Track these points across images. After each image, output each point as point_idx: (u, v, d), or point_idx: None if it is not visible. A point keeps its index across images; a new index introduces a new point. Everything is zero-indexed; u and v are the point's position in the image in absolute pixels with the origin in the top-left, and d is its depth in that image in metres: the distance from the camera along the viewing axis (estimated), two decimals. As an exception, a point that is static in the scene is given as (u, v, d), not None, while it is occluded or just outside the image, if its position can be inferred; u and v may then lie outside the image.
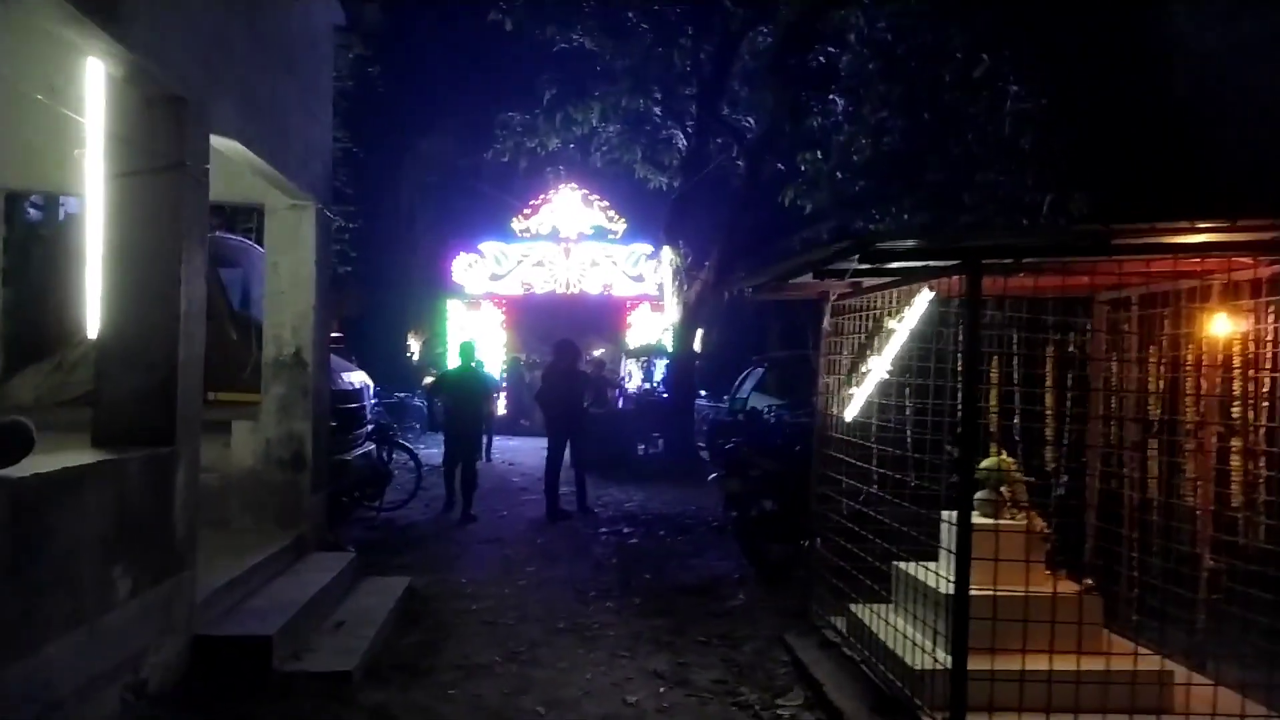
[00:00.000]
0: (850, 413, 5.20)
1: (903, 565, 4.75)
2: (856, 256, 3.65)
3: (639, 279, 20.65)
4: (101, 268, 3.87)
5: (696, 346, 16.23)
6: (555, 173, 18.00)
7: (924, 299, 4.34)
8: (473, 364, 10.19)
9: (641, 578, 6.98)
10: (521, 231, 20.97)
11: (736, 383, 15.49)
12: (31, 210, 6.69)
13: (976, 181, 12.48)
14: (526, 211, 20.66)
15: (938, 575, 4.20)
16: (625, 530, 9.07)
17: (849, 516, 5.22)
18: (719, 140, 15.67)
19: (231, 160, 5.32)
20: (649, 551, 8.04)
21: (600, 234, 20.81)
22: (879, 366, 4.82)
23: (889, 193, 13.64)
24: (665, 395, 16.57)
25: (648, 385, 19.01)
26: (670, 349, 17.12)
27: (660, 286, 17.02)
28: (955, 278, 3.96)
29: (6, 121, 5.43)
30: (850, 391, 5.16)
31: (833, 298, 5.35)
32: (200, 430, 4.18)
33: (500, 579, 6.97)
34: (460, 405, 9.87)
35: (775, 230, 14.96)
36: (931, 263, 3.93)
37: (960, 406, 3.53)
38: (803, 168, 14.15)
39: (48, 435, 5.50)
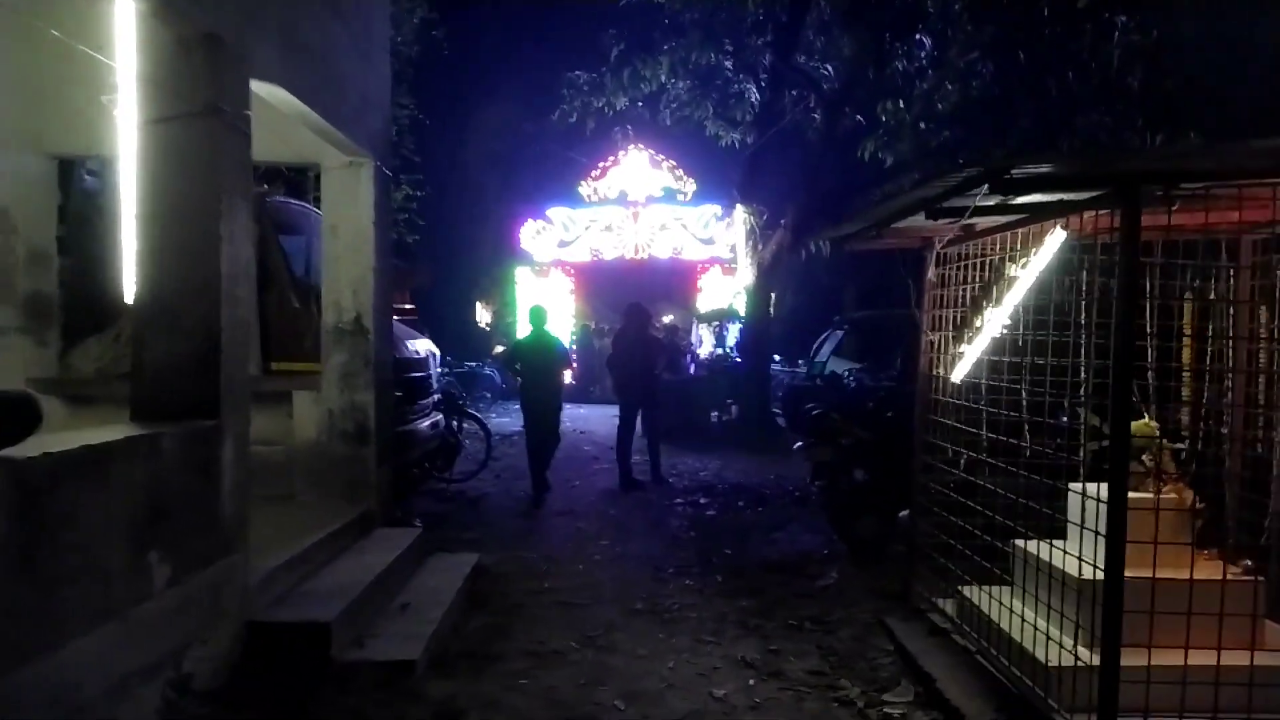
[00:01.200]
0: (959, 373, 4.65)
1: (1025, 544, 4.22)
2: (985, 188, 3.09)
3: (709, 242, 20.05)
4: (136, 225, 3.55)
5: (770, 310, 15.59)
6: (623, 132, 17.41)
7: (1055, 240, 3.75)
8: (545, 329, 9.24)
9: (722, 553, 6.56)
10: (589, 196, 20.54)
11: (815, 346, 14.83)
12: (88, 177, 6.49)
13: (1077, 125, 11.57)
14: (594, 174, 20.20)
15: (1074, 557, 3.66)
16: (701, 501, 8.65)
17: (957, 488, 4.70)
18: (794, 92, 14.91)
19: (281, 114, 4.98)
20: (728, 524, 7.60)
21: (669, 196, 20.24)
22: (995, 321, 4.26)
23: (978, 142, 12.81)
24: (739, 360, 16.04)
25: (720, 351, 18.48)
26: (743, 313, 16.55)
27: (733, 248, 16.40)
28: (1095, 213, 3.38)
29: (55, 85, 5.18)
30: (960, 350, 4.60)
31: (938, 245, 4.77)
32: (249, 402, 3.87)
33: (573, 554, 6.63)
34: (536, 376, 8.98)
35: (854, 186, 14.22)
36: (1067, 196, 3.35)
37: (1112, 364, 2.97)
38: (884, 118, 13.38)
39: (104, 408, 5.33)
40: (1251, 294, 4.15)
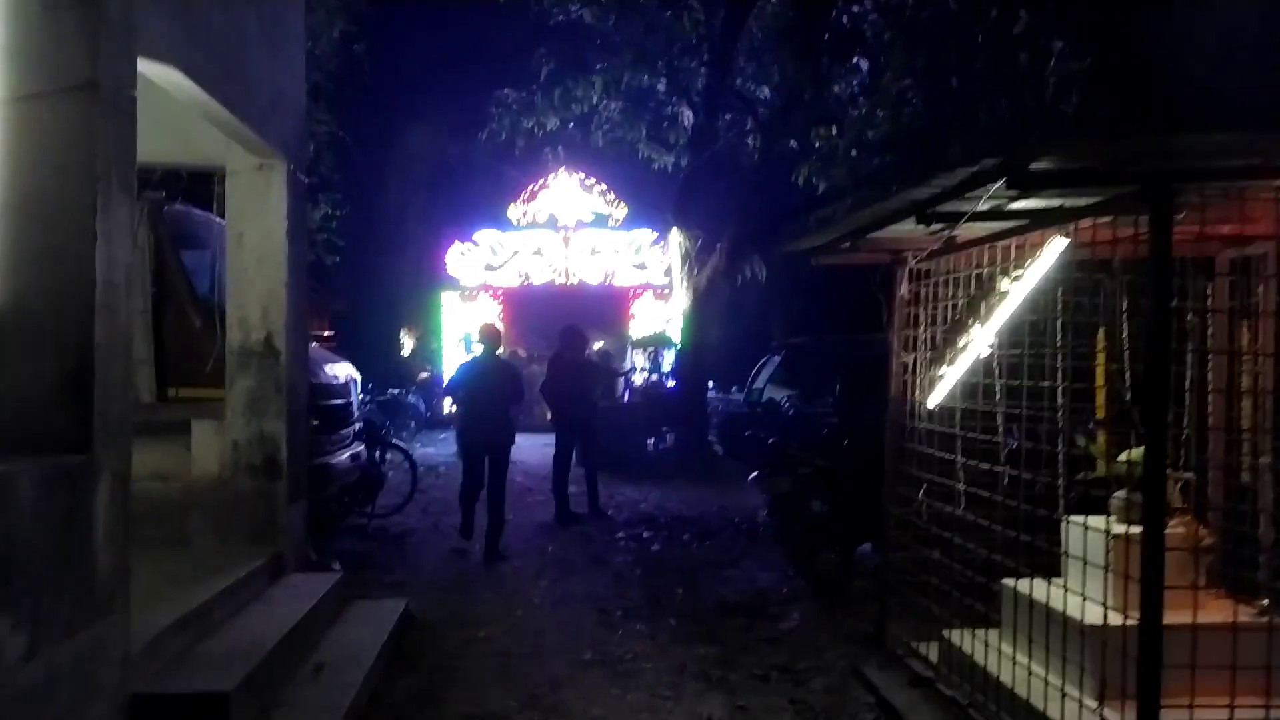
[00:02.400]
0: (937, 397, 4.29)
1: (1015, 583, 3.86)
2: (988, 188, 2.72)
3: (642, 267, 19.70)
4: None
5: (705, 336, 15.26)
6: (554, 154, 17.02)
7: (1055, 250, 3.42)
8: (496, 354, 8.04)
9: (672, 593, 6.07)
10: (518, 219, 20.00)
11: (753, 372, 14.55)
12: None
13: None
14: (524, 197, 19.69)
15: (1078, 597, 3.30)
16: (645, 535, 8.16)
17: (935, 521, 4.33)
18: (728, 116, 14.76)
19: (180, 109, 4.39)
20: (676, 560, 7.12)
21: (601, 221, 19.84)
22: (979, 340, 3.91)
23: (909, 170, 12.78)
24: (674, 386, 15.67)
25: (655, 377, 18.08)
26: (677, 339, 16.21)
27: (667, 272, 16.08)
28: (1098, 221, 3.06)
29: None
30: (938, 372, 4.25)
31: (912, 260, 4.43)
32: (131, 434, 3.25)
33: (510, 597, 6.06)
34: (481, 407, 7.60)
35: (789, 210, 14.04)
36: (1077, 201, 3.01)
37: (1145, 386, 2.62)
38: (817, 144, 13.26)
39: None
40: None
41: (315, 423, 6.36)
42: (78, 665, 2.85)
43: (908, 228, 3.96)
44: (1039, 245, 3.60)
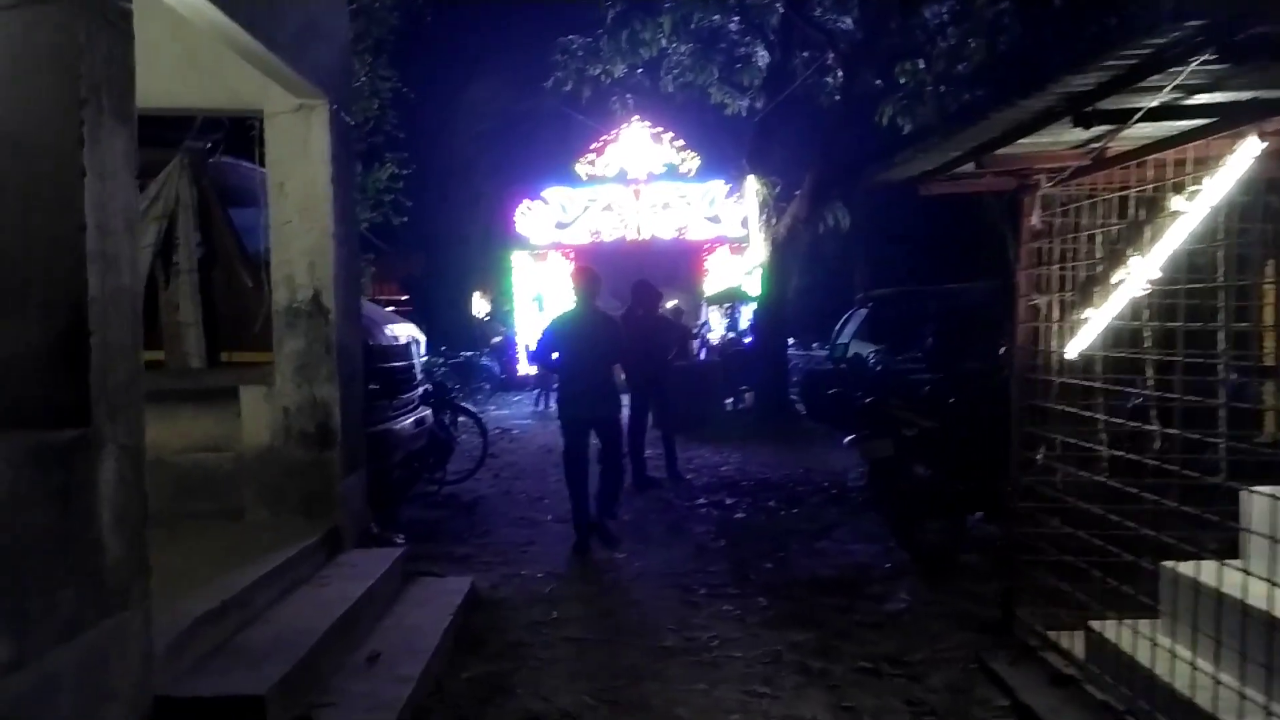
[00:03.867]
0: (1079, 345, 3.62)
1: (1181, 567, 3.21)
2: (1205, 56, 2.05)
3: (715, 220, 19.00)
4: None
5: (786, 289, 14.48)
6: (622, 102, 16.34)
7: (1244, 155, 2.71)
8: (595, 305, 6.46)
9: (761, 567, 5.53)
10: (587, 175, 19.45)
11: (837, 327, 13.81)
12: None
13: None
14: (592, 151, 19.09)
15: (1263, 583, 2.65)
16: (727, 501, 7.64)
17: (1076, 491, 3.69)
18: (805, 53, 13.85)
19: (209, 43, 3.95)
20: (762, 529, 6.58)
21: (672, 173, 19.16)
22: (1139, 275, 3.23)
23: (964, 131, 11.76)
24: (752, 344, 15.01)
25: (732, 334, 17.44)
26: (754, 293, 15.51)
27: (744, 222, 15.37)
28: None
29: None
30: (1080, 316, 3.57)
31: (1046, 183, 3.73)
32: (142, 403, 2.84)
33: (584, 572, 5.62)
34: (583, 372, 6.16)
35: (872, 153, 13.13)
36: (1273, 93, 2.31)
37: None
38: (902, 80, 12.33)
39: None
40: None
41: (374, 387, 5.98)
42: (84, 670, 2.46)
43: (1047, 139, 3.28)
44: (1213, 157, 2.89)
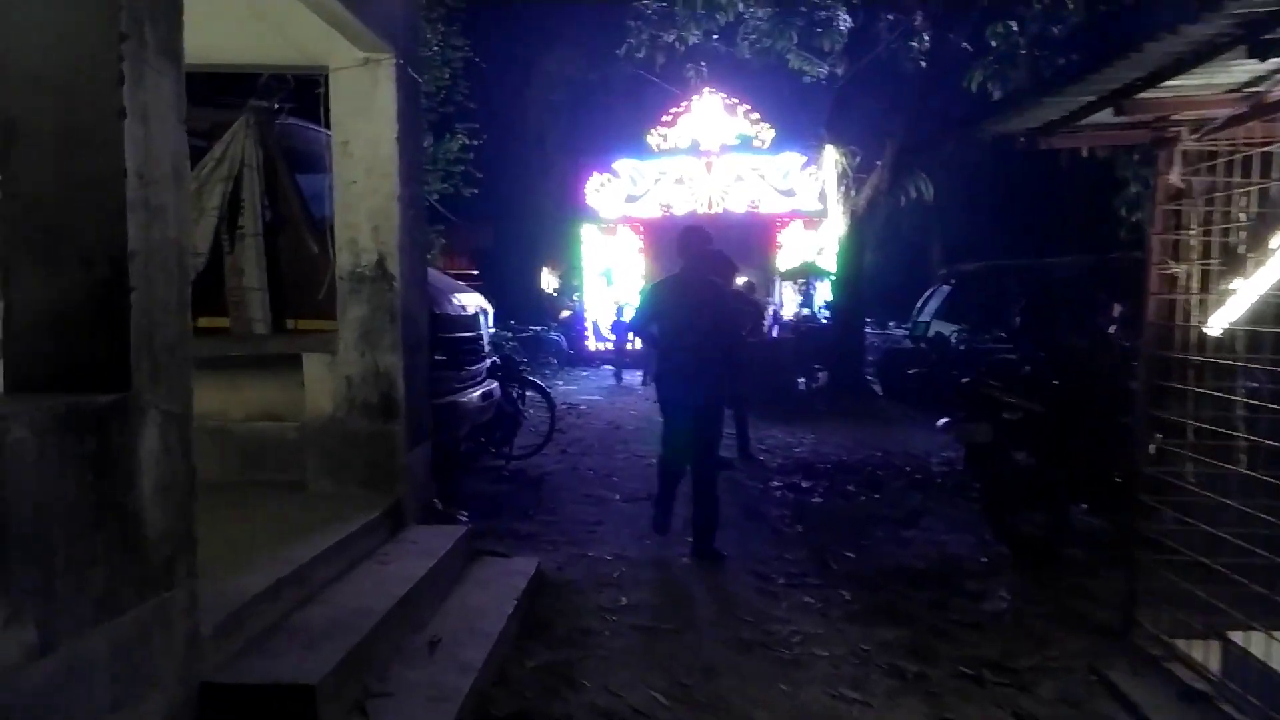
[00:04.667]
0: (1224, 320, 3.19)
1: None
2: None
3: (789, 193, 18.42)
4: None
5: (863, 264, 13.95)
6: (696, 70, 15.89)
7: None
8: (705, 270, 5.47)
9: (842, 556, 5.19)
10: (658, 146, 19.05)
11: (918, 304, 13.26)
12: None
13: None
14: (664, 122, 18.69)
15: None
16: (802, 484, 7.29)
17: (1205, 483, 3.27)
18: (890, 16, 13.20)
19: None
20: (841, 515, 6.22)
21: (745, 144, 18.63)
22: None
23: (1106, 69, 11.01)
24: (827, 321, 14.53)
25: (806, 311, 16.95)
26: (829, 269, 15.02)
27: (821, 195, 14.82)
28: None
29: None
30: (1227, 287, 3.13)
31: (1188, 136, 3.27)
32: (190, 366, 2.63)
33: (654, 554, 5.35)
34: (689, 350, 5.16)
35: (960, 120, 12.49)
36: None
37: None
38: (994, 43, 11.64)
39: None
40: None
41: (441, 358, 5.79)
42: (121, 655, 2.27)
43: (1196, 81, 2.85)
44: None
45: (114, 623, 2.25)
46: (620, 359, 16.90)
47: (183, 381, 2.56)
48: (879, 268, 21.73)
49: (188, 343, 2.59)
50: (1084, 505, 5.00)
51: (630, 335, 16.34)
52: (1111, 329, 5.81)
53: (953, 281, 12.62)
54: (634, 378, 16.35)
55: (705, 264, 5.44)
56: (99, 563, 2.19)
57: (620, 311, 17.38)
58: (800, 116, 16.35)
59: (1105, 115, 3.15)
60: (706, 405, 5.26)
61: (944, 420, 5.14)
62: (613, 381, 16.54)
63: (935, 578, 4.68)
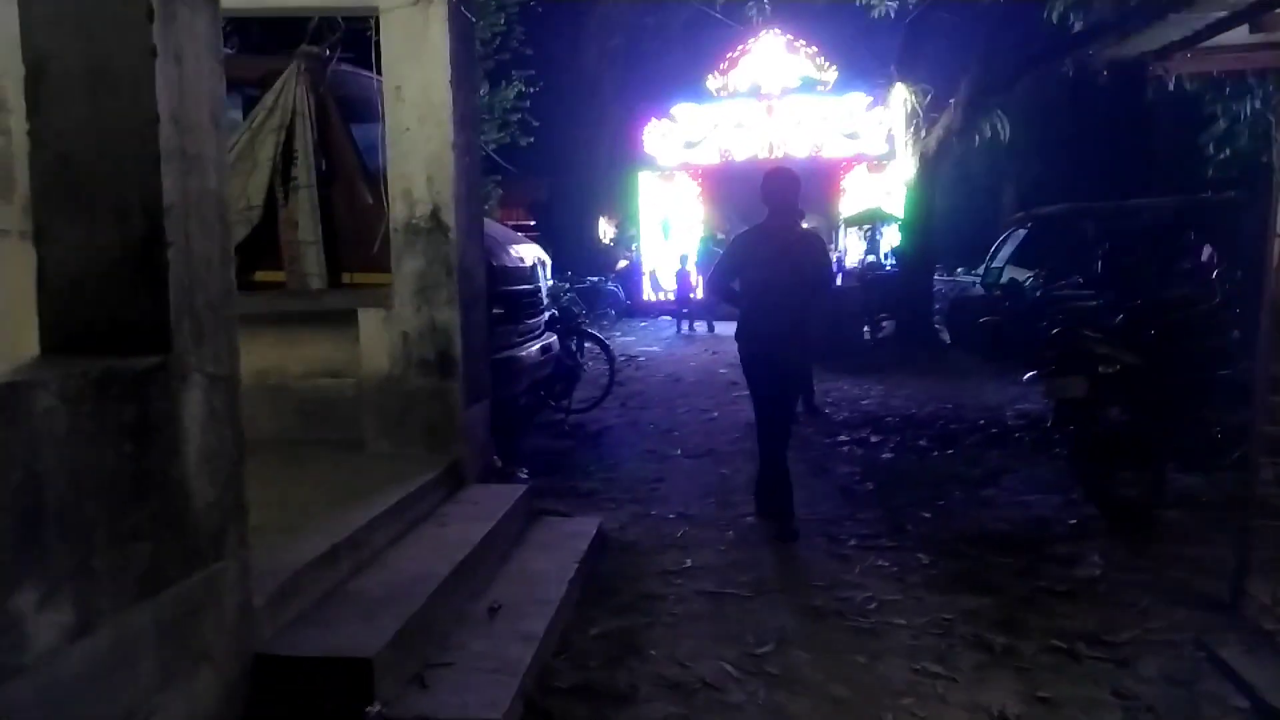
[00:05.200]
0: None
1: None
2: None
3: (854, 136, 17.83)
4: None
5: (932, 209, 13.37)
6: (758, 6, 15.28)
7: None
8: (794, 216, 4.80)
9: (917, 516, 4.95)
10: (718, 91, 18.56)
11: (992, 249, 12.72)
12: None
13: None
14: (725, 64, 18.16)
15: None
16: (871, 439, 7.03)
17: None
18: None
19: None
20: (914, 473, 5.96)
21: (808, 86, 18.05)
22: None
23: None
24: (893, 268, 14.06)
25: (872, 258, 16.45)
26: (895, 214, 14.48)
27: (888, 137, 14.24)
28: None
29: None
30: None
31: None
32: (236, 326, 2.49)
33: (718, 513, 5.18)
34: (776, 305, 4.63)
35: (1039, 54, 11.78)
36: None
37: None
38: (1075, -30, 10.89)
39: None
40: None
41: (499, 311, 5.64)
42: (169, 631, 2.17)
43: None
44: None
45: (159, 599, 2.14)
46: (683, 309, 16.81)
47: (228, 342, 2.42)
48: (947, 212, 20.97)
49: (232, 301, 2.45)
50: (1178, 463, 4.69)
51: (696, 289, 16.22)
52: (1215, 273, 5.39)
53: (1029, 225, 12.03)
54: (700, 328, 16.23)
55: (792, 212, 4.77)
56: (141, 537, 2.08)
57: (684, 261, 17.20)
58: (866, 55, 15.66)
59: (1237, 35, 2.78)
60: (789, 366, 4.79)
61: (1032, 373, 4.82)
62: (672, 332, 16.41)
63: (1020, 541, 4.41)
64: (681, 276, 17.16)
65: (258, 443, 4.75)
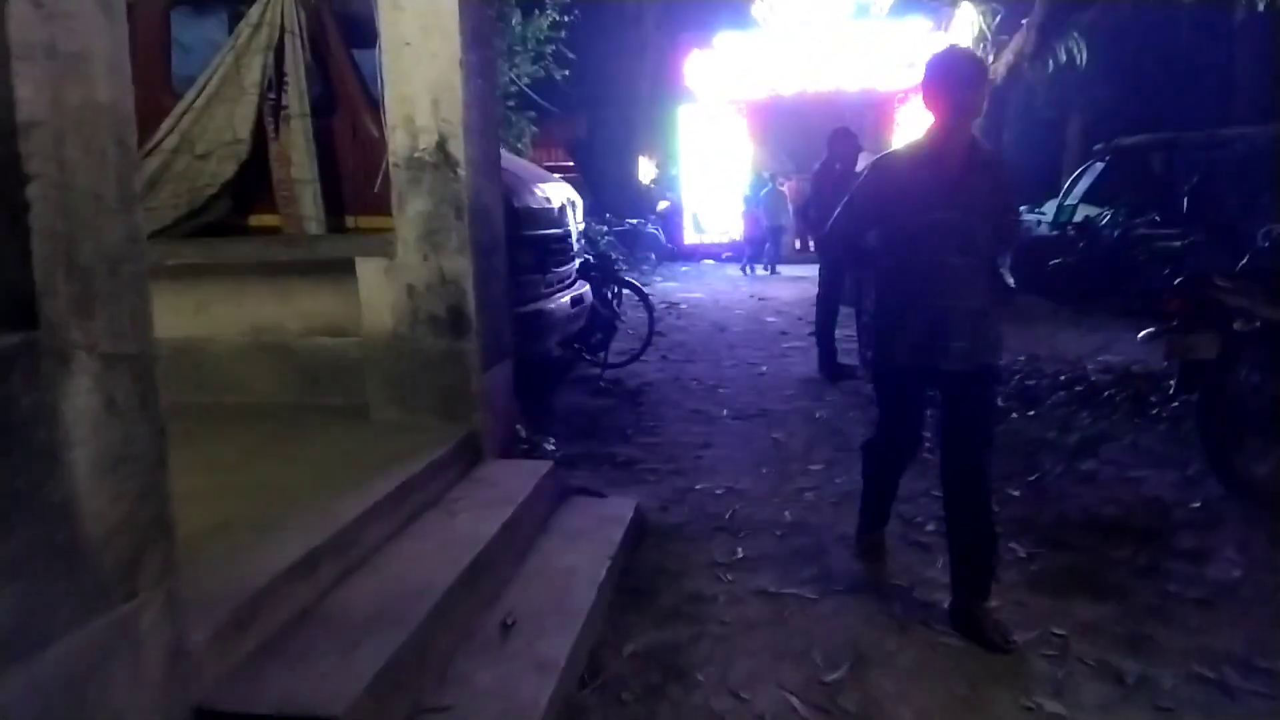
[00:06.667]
0: None
1: None
2: None
3: (912, 66, 16.61)
4: None
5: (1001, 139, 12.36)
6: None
7: None
8: (975, 137, 3.05)
9: (1006, 495, 4.25)
10: (765, 18, 17.43)
11: (1066, 185, 11.72)
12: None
13: None
14: (769, -11, 17.03)
15: None
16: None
17: None
18: None
19: None
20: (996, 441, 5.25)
21: (863, 11, 16.84)
22: None
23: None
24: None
25: (930, 197, 15.46)
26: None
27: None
28: None
29: None
30: None
31: None
32: (145, 290, 1.88)
33: (773, 488, 4.55)
34: (939, 262, 2.94)
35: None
36: None
37: None
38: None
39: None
40: None
41: (523, 259, 5.01)
42: (58, 697, 1.61)
43: None
44: None
45: (44, 658, 1.58)
46: (746, 250, 16.67)
47: (134, 310, 1.82)
48: (1008, 146, 19.73)
49: (139, 254, 1.83)
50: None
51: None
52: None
53: (1108, 158, 11.00)
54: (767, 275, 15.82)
55: (971, 115, 2.96)
56: (11, 579, 1.50)
57: (747, 202, 16.81)
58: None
59: None
60: (959, 373, 3.00)
61: (1149, 330, 4.08)
62: (721, 275, 15.94)
63: (1137, 530, 3.72)
64: (747, 218, 16.75)
65: (254, 409, 4.27)
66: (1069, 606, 3.11)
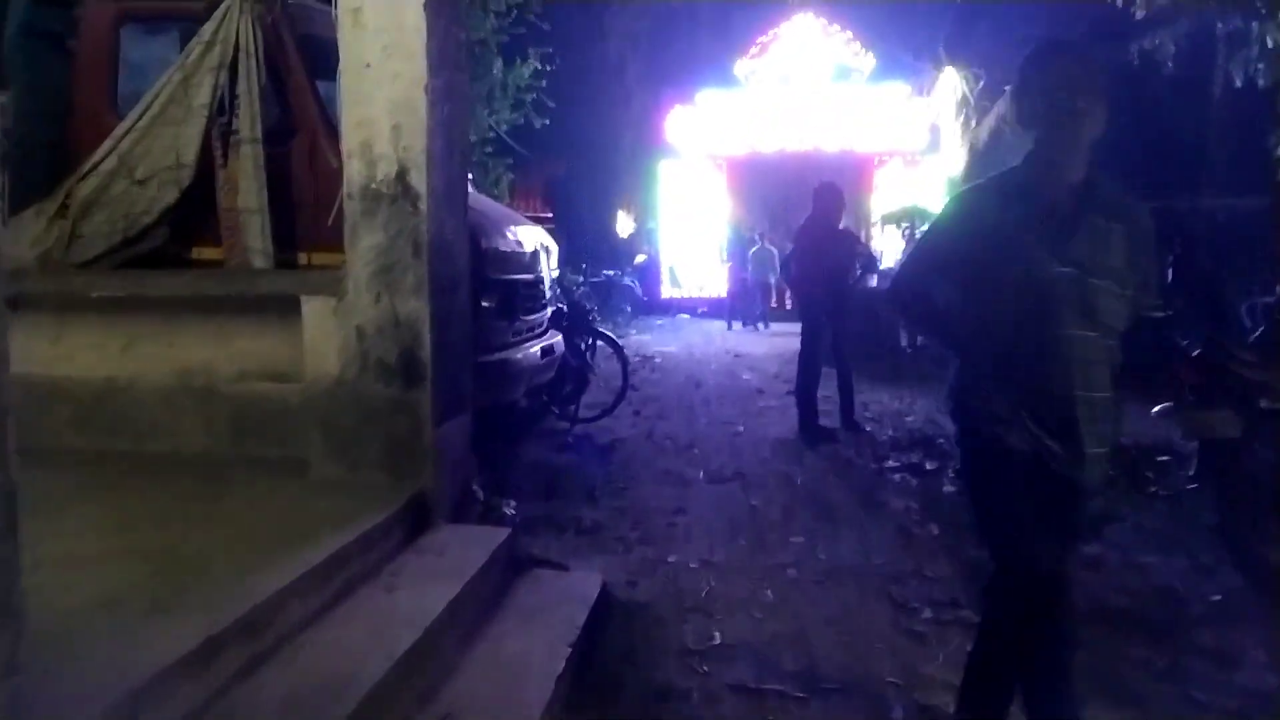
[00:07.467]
0: None
1: None
2: None
3: (890, 129, 16.72)
4: None
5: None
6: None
7: None
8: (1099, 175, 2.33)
9: (1002, 576, 3.91)
10: (746, 77, 17.52)
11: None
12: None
13: None
14: (754, 49, 17.12)
15: None
16: (926, 466, 5.99)
17: None
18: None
19: None
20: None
21: (843, 75, 16.96)
22: None
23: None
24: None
25: (910, 259, 15.40)
26: (934, 213, 13.39)
27: (934, 128, 13.15)
28: None
29: None
30: None
31: None
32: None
33: (750, 561, 4.18)
34: (1047, 339, 2.16)
35: (1104, 35, 10.71)
36: None
37: None
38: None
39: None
40: None
41: (490, 305, 4.67)
42: None
43: None
44: None
45: None
46: (734, 306, 16.64)
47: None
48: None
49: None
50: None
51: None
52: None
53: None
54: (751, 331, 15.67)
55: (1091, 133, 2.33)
56: None
57: (732, 256, 16.83)
58: (907, 40, 14.61)
59: None
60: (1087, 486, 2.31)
61: (1163, 405, 3.78)
62: (698, 329, 15.83)
63: (1152, 625, 3.37)
64: (732, 274, 16.70)
65: (178, 460, 3.85)
66: (1087, 713, 2.74)
